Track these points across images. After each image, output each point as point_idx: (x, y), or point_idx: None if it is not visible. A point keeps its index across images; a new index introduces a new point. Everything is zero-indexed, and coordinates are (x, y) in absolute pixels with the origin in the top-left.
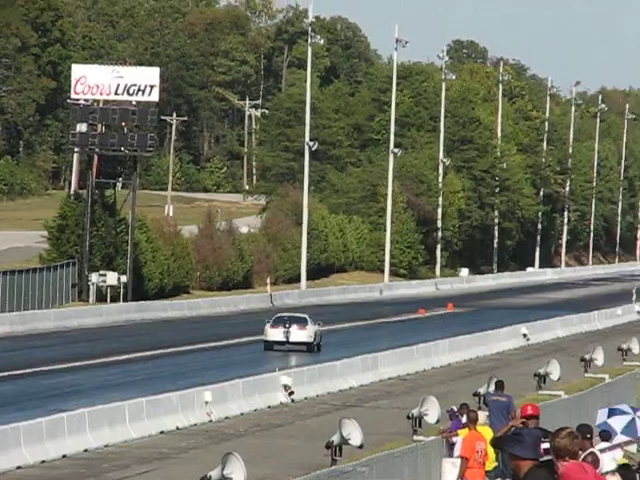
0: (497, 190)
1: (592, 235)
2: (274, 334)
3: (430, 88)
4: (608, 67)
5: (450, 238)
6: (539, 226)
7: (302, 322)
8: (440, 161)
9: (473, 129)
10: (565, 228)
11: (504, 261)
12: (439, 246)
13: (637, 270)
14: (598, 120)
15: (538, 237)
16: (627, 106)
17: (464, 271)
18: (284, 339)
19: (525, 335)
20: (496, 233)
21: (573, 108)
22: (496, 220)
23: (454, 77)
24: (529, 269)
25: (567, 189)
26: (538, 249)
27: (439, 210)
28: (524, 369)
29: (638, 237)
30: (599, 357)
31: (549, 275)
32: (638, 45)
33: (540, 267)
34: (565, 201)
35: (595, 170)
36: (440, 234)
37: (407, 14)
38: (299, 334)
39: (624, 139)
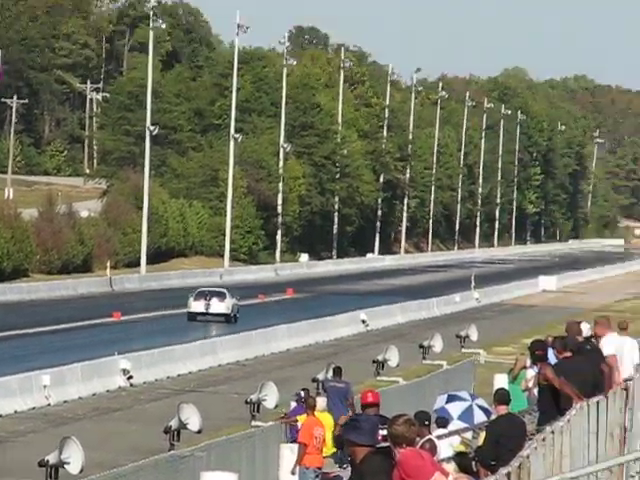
0: (337, 176)
1: (431, 222)
2: (196, 306)
3: (271, 74)
4: (449, 54)
5: (290, 224)
6: (379, 212)
7: (222, 295)
8: (281, 147)
9: (314, 115)
10: (405, 215)
11: (344, 247)
12: (279, 231)
13: (476, 257)
14: (438, 107)
15: (378, 223)
16: (467, 93)
17: (304, 257)
18: (205, 310)
19: (364, 321)
20: (336, 219)
21: (413, 95)
22: (336, 206)
23: (295, 63)
24: (369, 255)
25: (407, 176)
26: (378, 235)
27: (279, 196)
28: (363, 355)
29: (477, 224)
30: (437, 344)
31: (388, 261)
32: (478, 32)
33: (380, 253)
34: (405, 188)
35: (435, 157)
36: (280, 219)
37: (249, 0)
38: (219, 306)
39: (464, 126)
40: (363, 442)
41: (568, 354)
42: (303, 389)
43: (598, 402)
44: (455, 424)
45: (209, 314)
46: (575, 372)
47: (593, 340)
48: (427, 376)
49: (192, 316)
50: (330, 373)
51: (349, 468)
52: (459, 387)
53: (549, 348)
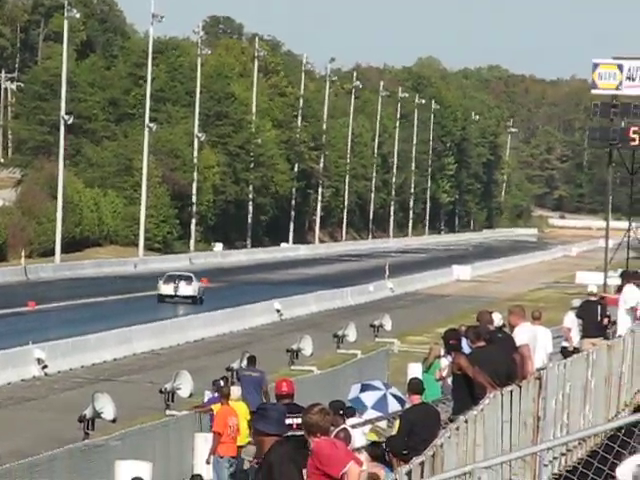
0: (252, 166)
1: (346, 211)
2: (165, 289)
3: (186, 63)
4: (363, 44)
5: (205, 213)
6: (293, 202)
7: (189, 279)
8: (195, 136)
9: (228, 104)
10: (319, 204)
11: (258, 236)
12: (194, 221)
13: (390, 247)
14: (353, 97)
15: (292, 213)
16: (382, 83)
17: (218, 246)
18: (173, 293)
19: (278, 310)
20: (250, 208)
21: (328, 84)
22: (251, 195)
23: (210, 52)
24: (283, 245)
25: (321, 165)
26: (292, 225)
27: (194, 185)
28: (277, 344)
29: (391, 214)
30: (351, 333)
31: (303, 251)
32: (392, 22)
33: (294, 243)
34: (319, 177)
35: (349, 146)
36: (195, 209)
37: None
38: (186, 289)
39: (378, 116)
40: (270, 431)
41: (481, 343)
42: (222, 377)
43: (512, 391)
44: (369, 413)
45: (177, 296)
46: (489, 361)
47: (506, 329)
48: (341, 365)
49: (161, 298)
50: (245, 362)
51: None
52: (373, 376)
53: (463, 337)
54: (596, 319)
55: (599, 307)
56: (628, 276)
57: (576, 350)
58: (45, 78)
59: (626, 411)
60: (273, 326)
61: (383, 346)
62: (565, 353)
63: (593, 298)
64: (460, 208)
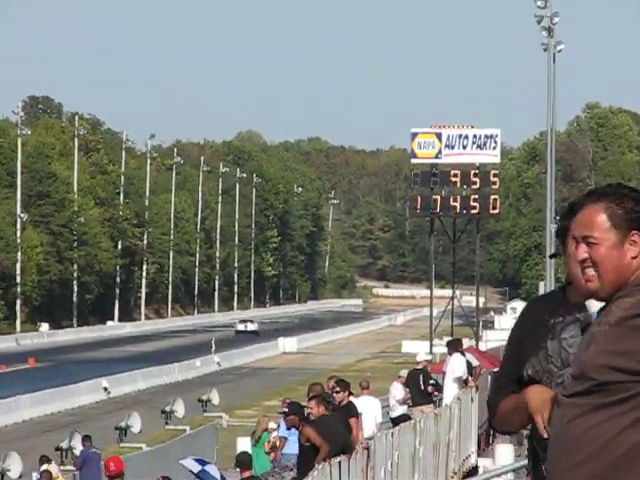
0: (75, 244)
1: (171, 287)
2: (240, 327)
3: (6, 144)
4: (182, 120)
5: (30, 293)
6: (118, 279)
7: (252, 322)
8: (18, 216)
9: (50, 184)
10: (144, 281)
11: (84, 315)
12: (19, 301)
13: (215, 321)
14: (174, 172)
15: (117, 290)
16: (202, 158)
17: (44, 326)
18: (244, 329)
19: (106, 388)
20: (75, 287)
21: (149, 161)
22: (75, 274)
23: (30, 132)
24: (109, 323)
25: (145, 242)
26: (117, 302)
27: (18, 265)
28: (106, 422)
29: (216, 288)
30: (180, 408)
31: (129, 328)
32: (211, 97)
33: (120, 320)
34: (143, 254)
35: (172, 222)
36: (19, 289)
37: None
38: (252, 326)
39: (199, 191)
40: None
41: (324, 412)
42: (42, 456)
43: (340, 462)
44: None
45: (247, 331)
46: (331, 431)
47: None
48: (170, 441)
49: (238, 333)
50: (74, 441)
51: None
52: (202, 451)
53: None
54: (419, 387)
55: (421, 375)
56: (453, 345)
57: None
58: None
59: (455, 479)
60: (101, 404)
61: (211, 421)
62: (394, 422)
63: (418, 367)
64: (284, 280)
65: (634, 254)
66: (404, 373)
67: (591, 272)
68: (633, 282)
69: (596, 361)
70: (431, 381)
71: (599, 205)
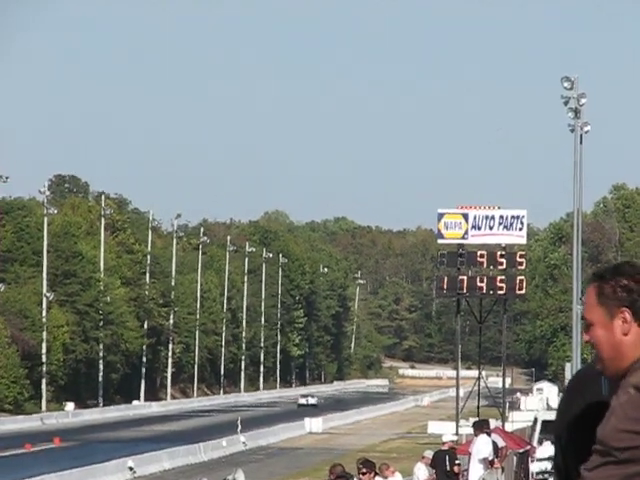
0: (101, 324)
1: (196, 367)
2: (301, 401)
3: (32, 223)
4: (209, 199)
5: (55, 372)
6: (144, 359)
7: (313, 396)
8: (44, 295)
9: (76, 263)
10: (170, 360)
11: (110, 394)
12: (44, 380)
13: (241, 401)
14: (200, 252)
15: (143, 370)
16: (228, 238)
17: (70, 405)
18: (306, 403)
19: (131, 468)
20: (101, 366)
21: (175, 241)
22: (101, 353)
23: (56, 212)
24: (135, 402)
25: (171, 321)
26: (143, 382)
27: (44, 344)
28: None
29: (242, 368)
30: None
31: (155, 408)
32: (237, 177)
33: (146, 400)
34: (169, 333)
35: (199, 302)
36: (45, 368)
37: (7, 149)
38: (312, 400)
39: (226, 270)
40: None
41: None
42: None
43: None
44: None
45: (308, 405)
46: None
47: None
48: None
49: (300, 406)
50: None
51: None
52: None
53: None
54: (445, 468)
55: (447, 456)
56: (479, 426)
57: None
58: None
59: None
60: None
61: None
62: None
63: (444, 447)
64: (310, 360)
65: (625, 331)
66: (428, 454)
67: (595, 352)
68: None
69: (618, 428)
70: (457, 461)
71: (592, 285)
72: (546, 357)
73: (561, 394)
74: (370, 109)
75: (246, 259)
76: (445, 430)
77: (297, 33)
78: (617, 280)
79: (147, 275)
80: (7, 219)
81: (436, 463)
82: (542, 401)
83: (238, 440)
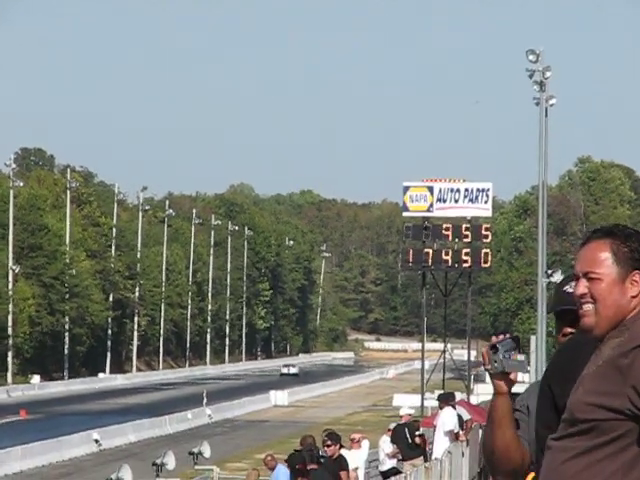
0: (67, 296)
1: (162, 340)
2: (284, 370)
3: None
4: (174, 172)
5: (21, 345)
6: (109, 332)
7: (294, 366)
8: (10, 268)
9: (42, 236)
10: (135, 333)
11: (75, 367)
12: (10, 353)
13: (207, 374)
14: (166, 225)
15: (109, 342)
16: (194, 211)
17: (36, 378)
18: (288, 372)
19: (97, 441)
20: (67, 339)
21: (140, 214)
22: (67, 326)
23: (22, 184)
24: (100, 375)
25: (137, 294)
26: (109, 355)
27: (9, 317)
28: (96, 475)
29: (208, 341)
30: (170, 461)
31: (120, 380)
32: (203, 150)
33: (111, 373)
34: (135, 306)
35: (164, 275)
36: (11, 341)
37: None
38: (293, 370)
39: (192, 243)
40: None
41: (314, 466)
42: None
43: None
44: None
45: (290, 374)
46: None
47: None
48: None
49: (282, 375)
50: None
51: None
52: None
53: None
54: (407, 441)
55: (406, 429)
56: (444, 398)
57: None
58: None
59: None
60: (92, 456)
61: (202, 473)
62: (384, 476)
63: (402, 421)
64: (276, 333)
65: (634, 293)
66: (393, 427)
67: (588, 307)
68: (624, 323)
69: (583, 401)
70: (417, 433)
71: (604, 241)
72: (511, 330)
73: (559, 349)
74: (336, 81)
75: (212, 232)
76: (409, 403)
77: None
78: (631, 243)
79: (113, 248)
80: None
81: (397, 438)
82: None
83: (204, 413)
